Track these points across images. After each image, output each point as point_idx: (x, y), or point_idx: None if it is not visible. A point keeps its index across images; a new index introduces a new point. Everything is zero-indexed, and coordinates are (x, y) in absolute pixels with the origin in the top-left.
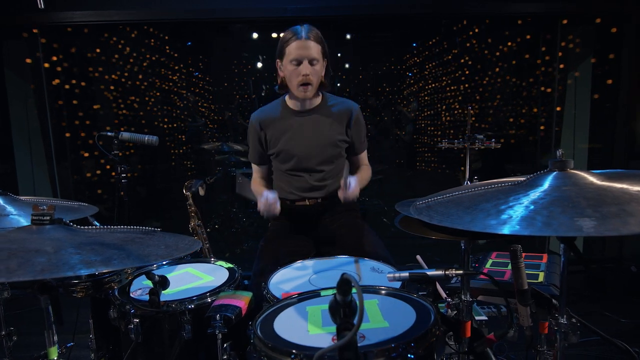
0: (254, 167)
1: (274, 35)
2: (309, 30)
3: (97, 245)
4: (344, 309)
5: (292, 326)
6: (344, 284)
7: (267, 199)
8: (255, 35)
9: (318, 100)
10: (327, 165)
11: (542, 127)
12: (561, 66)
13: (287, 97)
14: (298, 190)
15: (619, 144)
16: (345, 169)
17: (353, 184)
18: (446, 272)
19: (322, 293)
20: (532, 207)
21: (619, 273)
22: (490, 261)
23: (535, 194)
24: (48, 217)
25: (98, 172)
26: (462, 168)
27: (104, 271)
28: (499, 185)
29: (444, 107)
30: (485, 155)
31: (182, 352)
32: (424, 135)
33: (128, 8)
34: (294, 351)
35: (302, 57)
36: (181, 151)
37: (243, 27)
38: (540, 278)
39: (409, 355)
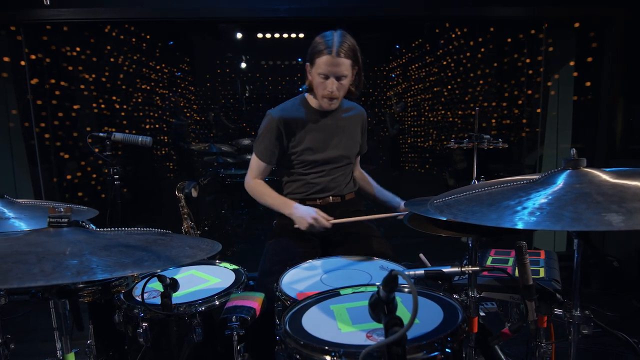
0: (259, 164)
1: (259, 35)
2: (341, 44)
3: (123, 247)
4: (387, 305)
5: (321, 325)
6: (391, 280)
7: (316, 215)
8: (240, 35)
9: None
10: (344, 165)
11: (526, 129)
12: (541, 70)
13: (307, 96)
14: (311, 189)
15: (600, 143)
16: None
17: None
18: (462, 269)
19: (342, 292)
20: (555, 203)
21: (602, 268)
22: (490, 258)
23: (553, 191)
24: (66, 220)
25: (78, 174)
26: (449, 168)
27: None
28: (514, 183)
29: (427, 107)
30: (469, 156)
31: (191, 355)
32: (408, 136)
33: (112, 6)
34: (329, 348)
35: (330, 74)
36: (164, 152)
37: (232, 27)
38: (542, 273)
39: (446, 350)
